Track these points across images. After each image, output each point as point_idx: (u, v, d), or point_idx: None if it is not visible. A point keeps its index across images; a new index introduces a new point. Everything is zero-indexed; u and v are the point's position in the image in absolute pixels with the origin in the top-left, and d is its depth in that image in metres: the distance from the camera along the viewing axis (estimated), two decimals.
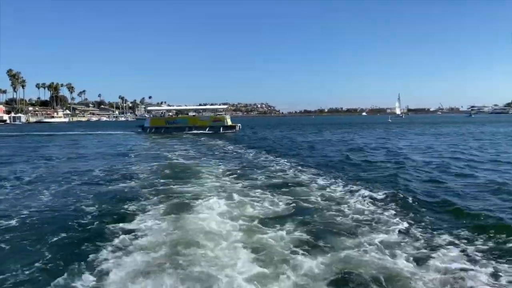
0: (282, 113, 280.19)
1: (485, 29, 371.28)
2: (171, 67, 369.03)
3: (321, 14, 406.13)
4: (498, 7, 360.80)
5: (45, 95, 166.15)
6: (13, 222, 7.84)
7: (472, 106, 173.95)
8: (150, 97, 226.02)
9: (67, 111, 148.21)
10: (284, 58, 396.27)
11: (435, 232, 6.65)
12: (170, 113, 51.14)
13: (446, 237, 6.40)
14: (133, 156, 20.47)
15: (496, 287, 4.73)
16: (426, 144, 25.59)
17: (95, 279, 5.12)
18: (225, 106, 59.85)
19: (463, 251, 5.80)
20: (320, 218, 7.63)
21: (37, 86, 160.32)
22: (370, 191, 9.97)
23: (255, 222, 7.39)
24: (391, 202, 8.83)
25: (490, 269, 5.15)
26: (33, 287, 4.98)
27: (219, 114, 46.84)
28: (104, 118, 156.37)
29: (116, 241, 6.50)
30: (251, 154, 20.19)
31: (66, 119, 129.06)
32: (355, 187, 10.46)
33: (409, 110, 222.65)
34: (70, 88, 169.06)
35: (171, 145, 27.00)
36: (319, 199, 9.31)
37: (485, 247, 5.95)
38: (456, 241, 6.22)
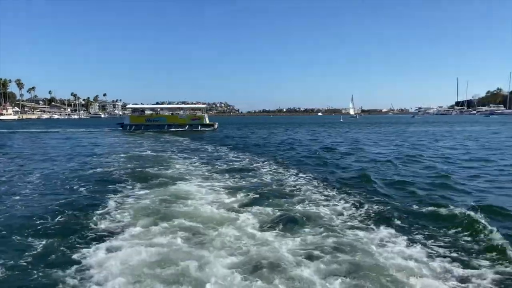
0: (242, 112, 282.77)
1: (439, 33, 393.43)
2: (124, 66, 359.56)
3: (282, 12, 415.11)
4: (464, 9, 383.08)
5: None
6: (18, 197, 9.56)
7: (419, 108, 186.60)
8: (104, 95, 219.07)
9: (16, 108, 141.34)
10: (244, 57, 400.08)
11: (344, 193, 9.41)
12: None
13: (342, 196, 9.26)
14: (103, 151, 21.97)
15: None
16: (353, 139, 30.15)
17: (102, 227, 7.12)
18: (204, 106, 61.22)
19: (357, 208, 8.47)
20: (268, 188, 10.23)
21: None
22: (305, 171, 12.99)
23: (221, 192, 9.85)
24: (318, 177, 11.79)
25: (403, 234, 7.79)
26: (59, 234, 6.86)
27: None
28: (55, 116, 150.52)
29: (111, 205, 8.50)
30: (212, 148, 22.53)
31: (16, 117, 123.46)
32: (296, 170, 13.32)
33: (363, 110, 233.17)
34: (19, 85, 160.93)
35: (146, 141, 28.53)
36: (269, 178, 11.98)
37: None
38: (354, 199, 8.98)
